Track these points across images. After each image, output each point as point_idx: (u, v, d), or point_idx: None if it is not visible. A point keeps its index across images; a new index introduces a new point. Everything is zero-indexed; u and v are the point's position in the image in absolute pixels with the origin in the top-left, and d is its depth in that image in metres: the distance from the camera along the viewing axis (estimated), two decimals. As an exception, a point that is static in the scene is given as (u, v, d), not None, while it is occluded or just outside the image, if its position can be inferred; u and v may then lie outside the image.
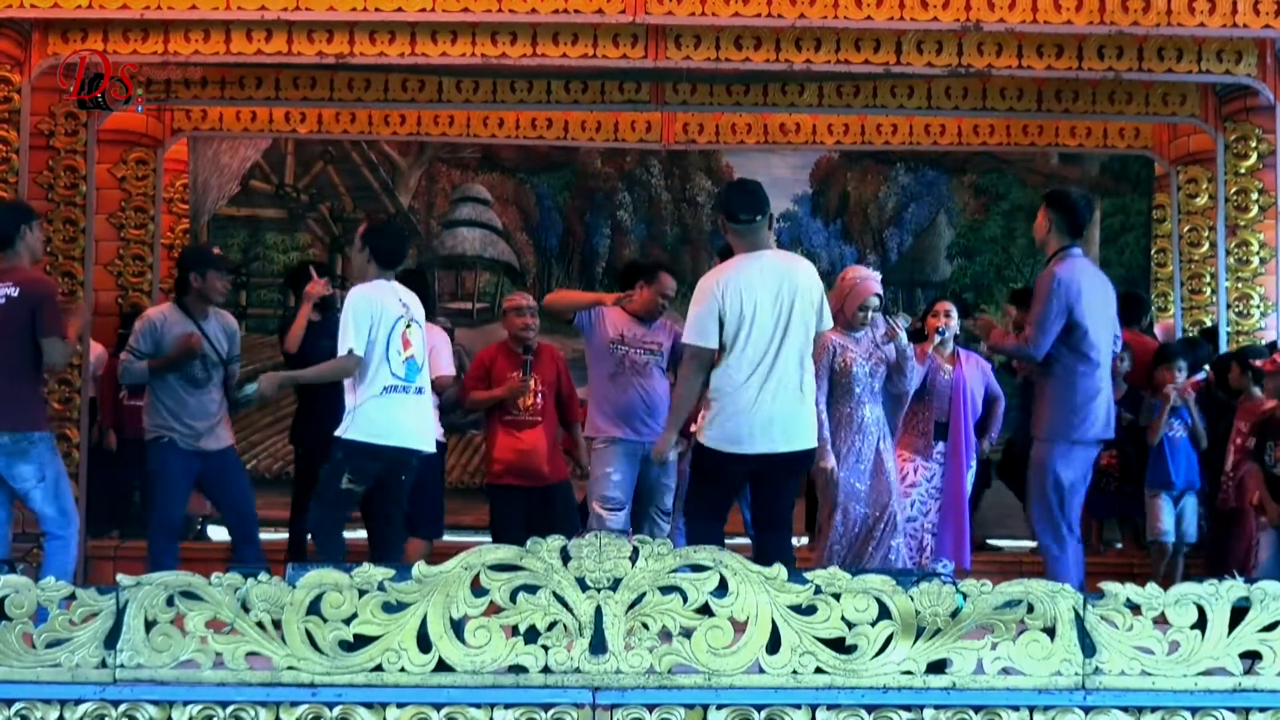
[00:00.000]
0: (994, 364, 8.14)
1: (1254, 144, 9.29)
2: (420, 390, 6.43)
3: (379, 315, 6.30)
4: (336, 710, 4.18)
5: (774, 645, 4.19)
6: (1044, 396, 6.79)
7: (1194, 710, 4.19)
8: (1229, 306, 9.35)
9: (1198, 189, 10.16)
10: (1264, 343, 8.66)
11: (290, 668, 4.19)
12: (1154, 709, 4.19)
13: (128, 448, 9.51)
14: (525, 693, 4.17)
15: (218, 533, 9.55)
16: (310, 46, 7.97)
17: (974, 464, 7.78)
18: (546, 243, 11.29)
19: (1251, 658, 4.22)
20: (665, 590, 4.21)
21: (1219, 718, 4.19)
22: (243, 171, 11.22)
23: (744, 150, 10.78)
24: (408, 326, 6.38)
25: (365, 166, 11.29)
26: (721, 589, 4.21)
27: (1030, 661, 4.20)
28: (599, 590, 4.21)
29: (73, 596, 4.22)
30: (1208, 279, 10.06)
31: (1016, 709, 4.19)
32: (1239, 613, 4.22)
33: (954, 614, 4.19)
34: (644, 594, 4.21)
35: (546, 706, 4.17)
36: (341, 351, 6.29)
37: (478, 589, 4.21)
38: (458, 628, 4.20)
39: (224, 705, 4.18)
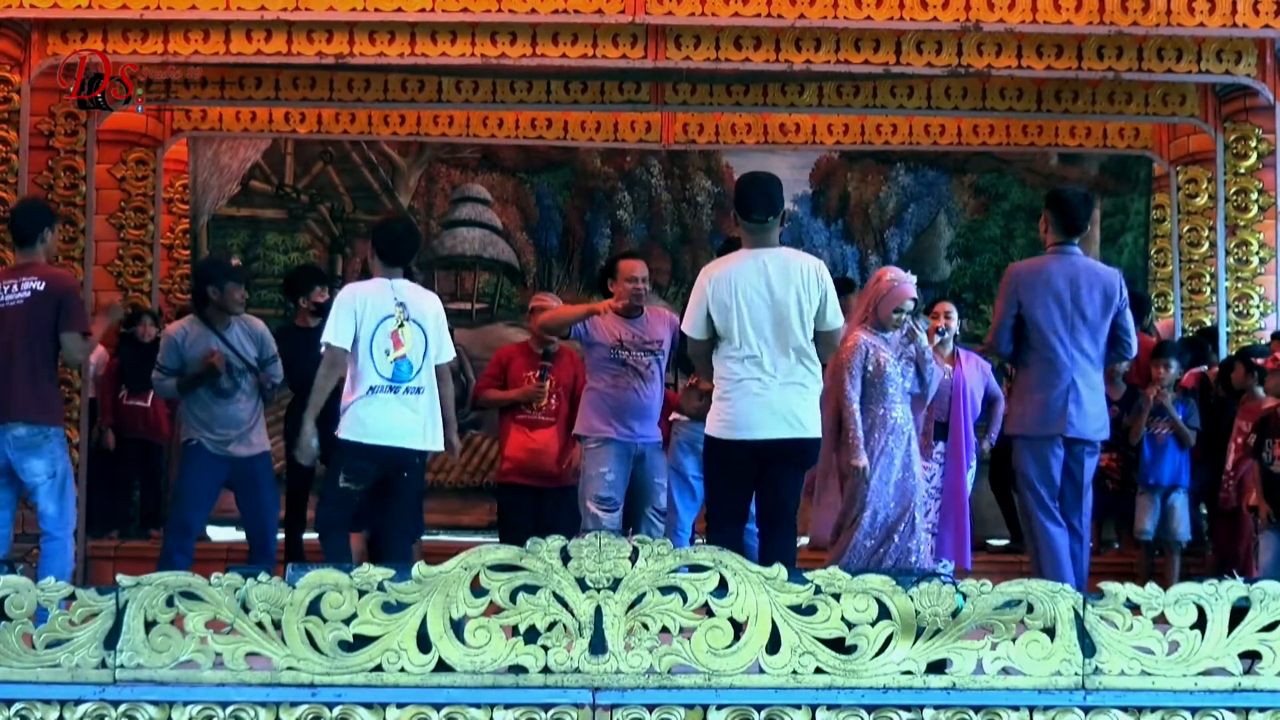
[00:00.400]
0: (993, 364, 8.14)
1: (1254, 144, 9.29)
2: (419, 390, 6.34)
3: (362, 313, 6.30)
4: (336, 710, 4.18)
5: (774, 645, 4.19)
6: (1012, 393, 7.07)
7: (1194, 710, 4.19)
8: (1229, 306, 9.35)
9: (1197, 189, 10.17)
10: (1264, 341, 8.66)
11: (290, 668, 4.19)
12: (1154, 709, 4.19)
13: (127, 448, 9.53)
14: (525, 693, 4.17)
15: (218, 533, 9.56)
16: (310, 46, 7.98)
17: (974, 464, 7.78)
18: (546, 243, 11.28)
19: (1251, 658, 4.22)
20: (665, 590, 4.21)
21: (1219, 718, 4.19)
22: (243, 172, 11.22)
23: (744, 150, 10.78)
24: (400, 325, 6.34)
25: (365, 167, 11.29)
26: (721, 589, 4.21)
27: (1030, 661, 4.20)
28: (599, 590, 4.21)
29: (73, 597, 4.21)
30: (1207, 279, 10.07)
31: (1016, 709, 4.19)
32: (1239, 613, 4.22)
33: (954, 614, 4.19)
34: (644, 594, 4.20)
35: (546, 707, 4.16)
36: (323, 347, 6.36)
37: (478, 589, 4.21)
38: (458, 628, 4.20)
39: (224, 705, 4.18)
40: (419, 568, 4.21)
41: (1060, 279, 6.58)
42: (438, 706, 4.17)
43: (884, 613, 4.19)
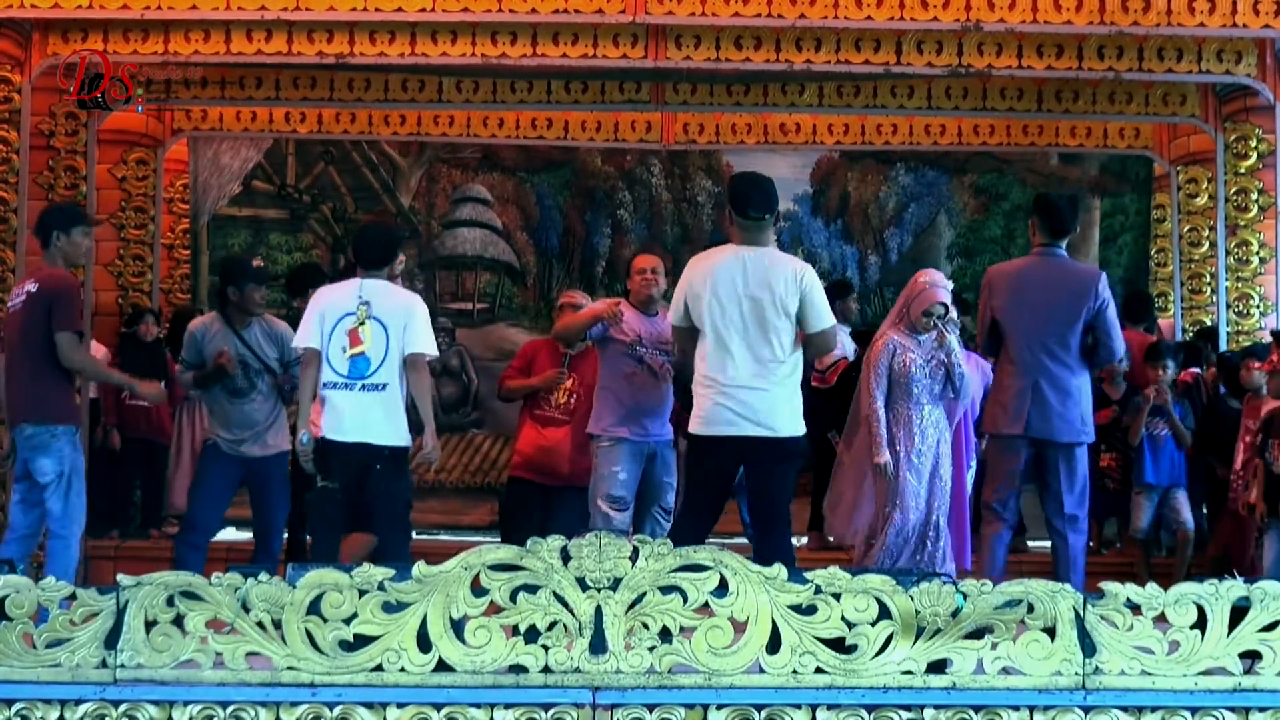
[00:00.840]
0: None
1: (1254, 144, 9.29)
2: (379, 387, 6.36)
3: (323, 313, 6.40)
4: (336, 710, 4.18)
5: (774, 645, 4.19)
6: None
7: (1194, 710, 4.19)
8: (1229, 306, 9.36)
9: (1197, 189, 10.17)
10: (1265, 341, 8.65)
11: (290, 668, 4.19)
12: (1154, 709, 4.19)
13: (128, 447, 9.53)
14: (525, 693, 4.17)
15: (218, 533, 9.54)
16: (310, 46, 7.98)
17: (974, 464, 7.78)
18: (547, 242, 11.29)
19: (1251, 657, 4.22)
20: (665, 590, 4.21)
21: (1219, 718, 4.19)
22: (244, 172, 11.23)
23: (744, 150, 10.78)
24: (361, 323, 6.37)
25: (366, 167, 11.30)
26: (721, 589, 4.21)
27: (1030, 661, 4.20)
28: (599, 590, 4.20)
29: (73, 596, 4.21)
30: (1207, 279, 10.07)
31: (1016, 709, 4.19)
32: (1239, 612, 4.22)
33: (954, 614, 4.19)
34: (644, 594, 4.20)
35: (546, 706, 4.16)
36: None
37: (478, 589, 4.21)
38: (458, 628, 4.20)
39: (224, 705, 4.17)
40: (419, 567, 4.21)
41: (1032, 281, 6.58)
42: (438, 706, 4.17)
43: (884, 612, 4.19)
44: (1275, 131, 8.44)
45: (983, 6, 7.47)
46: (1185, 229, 10.28)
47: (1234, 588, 4.22)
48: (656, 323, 7.25)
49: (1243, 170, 9.35)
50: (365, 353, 6.37)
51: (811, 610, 4.20)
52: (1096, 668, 4.19)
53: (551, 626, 4.20)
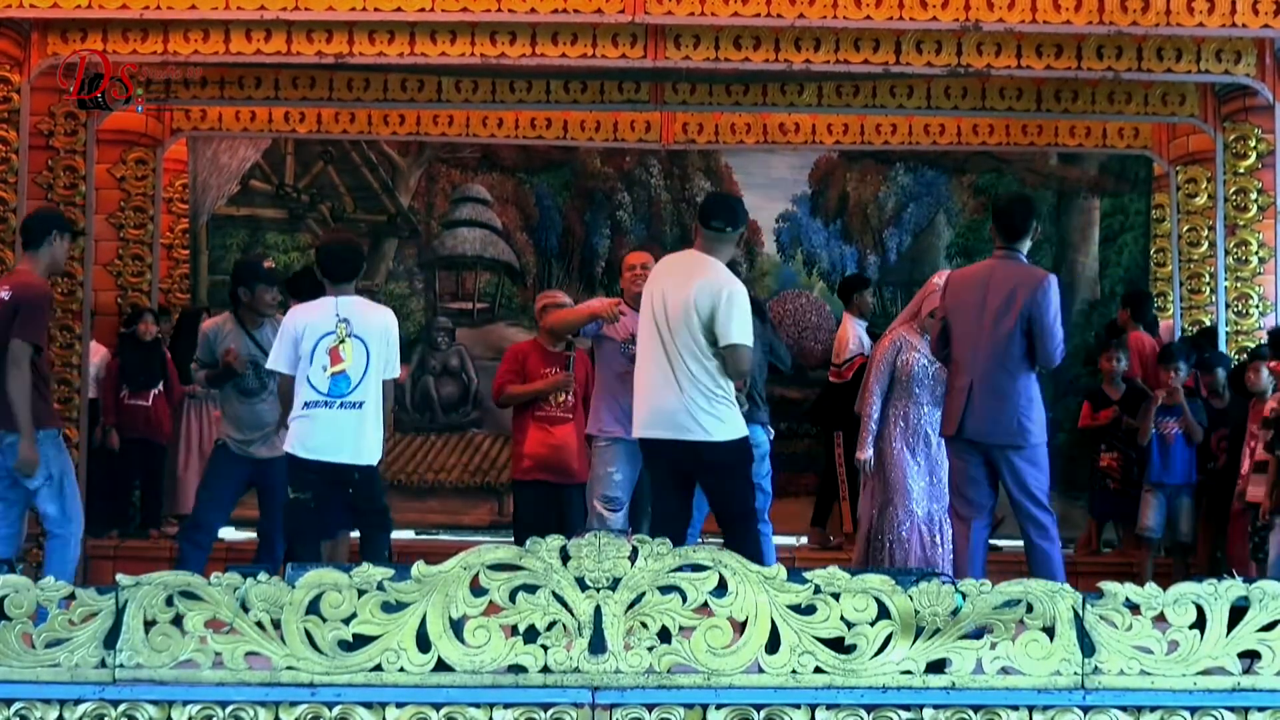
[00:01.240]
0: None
1: (1253, 144, 9.29)
2: (357, 405, 6.41)
3: (301, 333, 6.42)
4: (336, 710, 4.18)
5: (773, 645, 4.19)
6: None
7: (1193, 710, 4.19)
8: (1228, 306, 9.35)
9: (1197, 189, 10.17)
10: (1263, 341, 8.65)
11: (289, 667, 4.19)
12: (1153, 708, 4.19)
13: (128, 447, 9.53)
14: (524, 692, 4.17)
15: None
16: (310, 46, 7.97)
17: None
18: (546, 243, 11.28)
19: (1250, 657, 4.22)
20: (665, 590, 4.21)
21: (1218, 717, 4.19)
22: (242, 171, 11.22)
23: (743, 150, 10.78)
24: (341, 341, 6.41)
25: (365, 166, 11.29)
26: (721, 588, 4.21)
27: (1029, 661, 4.20)
28: (598, 590, 4.21)
29: (72, 596, 4.21)
30: (1207, 279, 10.07)
31: (1016, 709, 4.19)
32: (1238, 612, 4.22)
33: (953, 614, 4.19)
34: (643, 594, 4.21)
35: (546, 706, 4.16)
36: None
37: (477, 589, 4.21)
38: (457, 627, 4.20)
39: (223, 705, 4.18)
40: (418, 567, 4.21)
41: (977, 283, 6.52)
42: (437, 706, 4.18)
43: (883, 612, 4.20)
44: (1275, 131, 8.43)
45: (982, 6, 7.47)
46: (1184, 229, 10.28)
47: (1233, 587, 4.23)
48: None
49: (1242, 170, 9.35)
50: (346, 371, 6.41)
51: (811, 610, 4.20)
52: (1095, 667, 4.19)
53: (551, 626, 4.20)
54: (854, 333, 9.86)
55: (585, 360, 7.85)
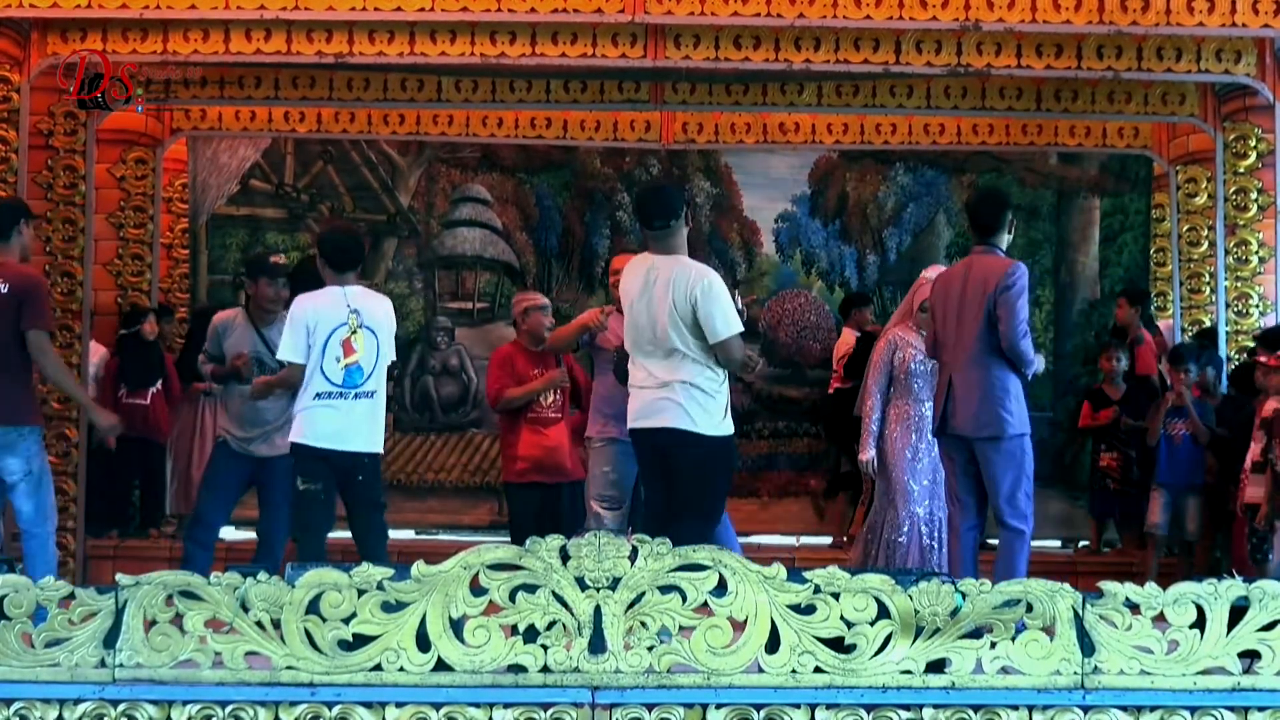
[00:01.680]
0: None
1: (1253, 143, 9.29)
2: (369, 394, 6.51)
3: (314, 324, 6.44)
4: (335, 710, 4.18)
5: (773, 645, 4.19)
6: None
7: (1193, 710, 4.19)
8: (1228, 306, 9.35)
9: (1197, 188, 10.17)
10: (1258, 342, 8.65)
11: (289, 667, 4.19)
12: (1153, 708, 4.19)
13: (126, 446, 9.52)
14: (524, 692, 4.17)
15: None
16: (310, 46, 7.97)
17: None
18: (546, 243, 11.28)
19: (1250, 657, 4.22)
20: (664, 590, 4.21)
21: (1218, 717, 4.19)
22: (242, 171, 11.21)
23: (743, 150, 10.78)
24: (353, 332, 6.47)
25: (365, 166, 11.28)
26: (720, 588, 4.21)
27: (1029, 661, 4.20)
28: (598, 590, 4.21)
29: (72, 596, 4.21)
30: (1207, 278, 10.07)
31: (1015, 708, 4.19)
32: (1238, 612, 4.21)
33: (953, 613, 4.19)
34: (643, 593, 4.21)
35: (545, 706, 4.16)
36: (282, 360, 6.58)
37: (477, 588, 4.21)
38: (457, 627, 4.20)
39: (223, 705, 4.18)
40: (418, 567, 4.21)
41: (956, 281, 6.54)
42: (437, 706, 4.17)
43: (883, 612, 4.19)
44: (1275, 131, 8.43)
45: (982, 6, 7.47)
46: (1184, 228, 10.28)
47: (1233, 587, 4.22)
48: None
49: (1242, 170, 9.35)
50: (359, 362, 6.47)
51: (810, 610, 4.20)
52: (1095, 667, 4.19)
53: (550, 626, 4.20)
54: (851, 340, 9.88)
55: (566, 360, 7.93)
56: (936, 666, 4.20)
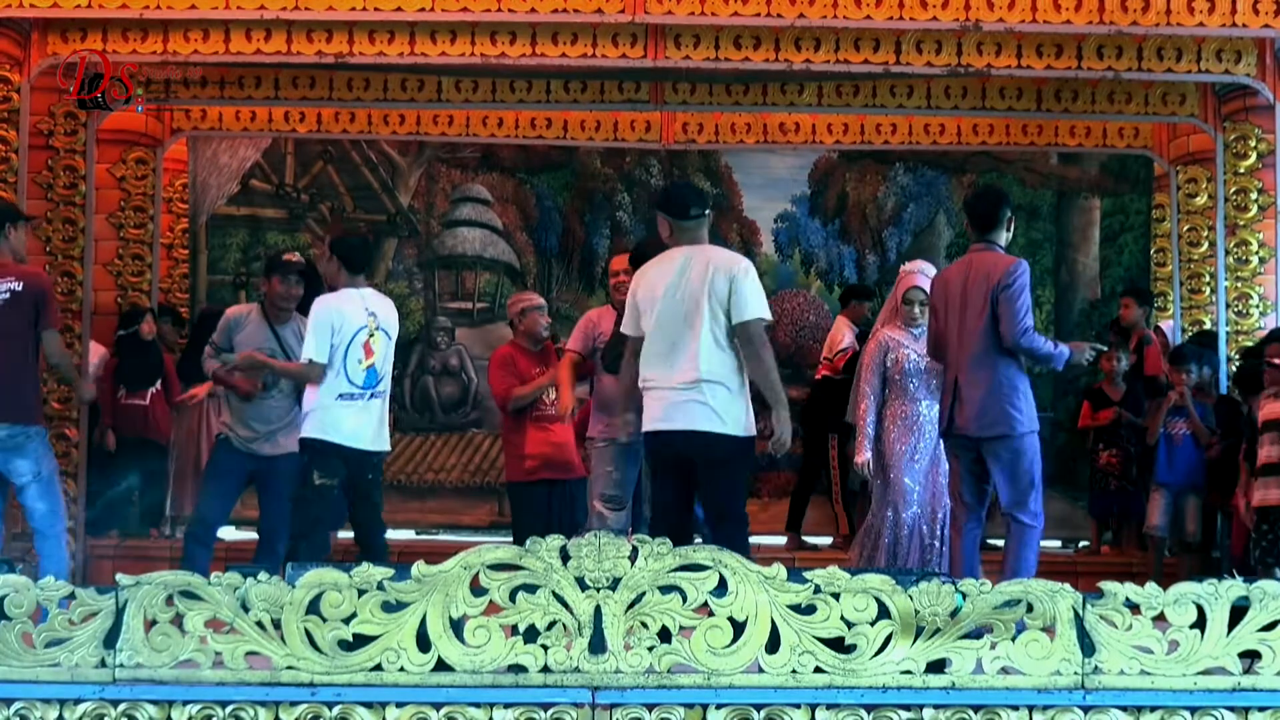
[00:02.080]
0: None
1: (1253, 144, 9.29)
2: (383, 395, 6.72)
3: (339, 325, 6.54)
4: (336, 710, 4.18)
5: (773, 645, 4.19)
6: None
7: (1193, 710, 4.19)
8: (1228, 306, 9.34)
9: (1197, 189, 10.16)
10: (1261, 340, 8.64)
11: (290, 667, 4.19)
12: (1153, 708, 4.19)
13: (126, 446, 9.52)
14: (524, 692, 4.17)
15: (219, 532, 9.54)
16: (310, 46, 7.98)
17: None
18: (546, 243, 11.29)
19: (1251, 657, 4.22)
20: (665, 590, 4.21)
21: (1218, 717, 4.19)
22: (242, 171, 11.22)
23: (743, 150, 10.78)
24: (371, 335, 6.62)
25: (365, 166, 11.29)
26: (721, 588, 4.21)
27: (1029, 661, 4.20)
28: (598, 590, 4.21)
29: (72, 596, 4.21)
30: (1207, 279, 10.06)
31: (1016, 708, 4.19)
32: (1238, 612, 4.21)
33: (953, 614, 4.19)
34: (643, 593, 4.20)
35: (546, 706, 4.16)
36: (303, 359, 6.60)
37: (477, 588, 4.21)
38: (457, 627, 4.20)
39: (223, 705, 4.18)
40: (418, 567, 4.21)
41: (956, 280, 6.52)
42: (437, 706, 4.17)
43: (883, 612, 4.19)
44: (1275, 131, 8.43)
45: (982, 6, 7.47)
46: (1185, 229, 10.27)
47: (1233, 587, 4.22)
48: None
49: (1242, 170, 9.34)
50: (375, 364, 6.65)
51: (811, 610, 4.20)
52: (1096, 667, 4.19)
53: (551, 626, 4.20)
54: (847, 331, 9.86)
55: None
56: (937, 666, 4.20)
